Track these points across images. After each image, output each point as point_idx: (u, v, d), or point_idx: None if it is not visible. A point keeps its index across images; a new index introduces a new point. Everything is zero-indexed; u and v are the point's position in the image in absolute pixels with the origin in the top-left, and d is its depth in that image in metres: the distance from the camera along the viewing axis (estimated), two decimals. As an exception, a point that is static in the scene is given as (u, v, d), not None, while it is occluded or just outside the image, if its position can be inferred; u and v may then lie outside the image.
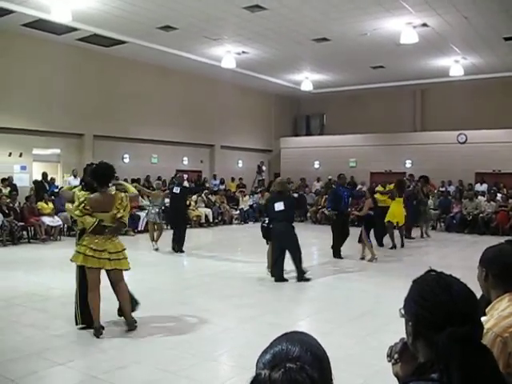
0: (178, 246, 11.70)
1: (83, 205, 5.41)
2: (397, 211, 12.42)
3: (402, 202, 12.64)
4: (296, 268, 8.62)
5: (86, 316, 5.59)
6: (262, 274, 8.93)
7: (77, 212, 5.46)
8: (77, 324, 5.69)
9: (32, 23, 14.00)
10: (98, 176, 5.49)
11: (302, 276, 8.58)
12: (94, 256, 5.38)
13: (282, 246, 8.57)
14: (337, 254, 10.91)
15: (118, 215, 5.49)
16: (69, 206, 5.58)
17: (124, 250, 5.64)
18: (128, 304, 5.71)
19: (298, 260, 8.63)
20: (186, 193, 12.74)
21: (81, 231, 5.70)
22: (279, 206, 8.55)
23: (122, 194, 5.65)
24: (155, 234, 12.12)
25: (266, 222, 8.93)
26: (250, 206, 19.39)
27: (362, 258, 10.70)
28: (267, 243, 9.06)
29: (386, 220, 12.25)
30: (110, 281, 5.64)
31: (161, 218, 12.33)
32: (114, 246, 5.52)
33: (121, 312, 5.87)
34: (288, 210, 8.65)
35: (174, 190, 12.12)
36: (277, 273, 8.55)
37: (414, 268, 10.14)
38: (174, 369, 4.56)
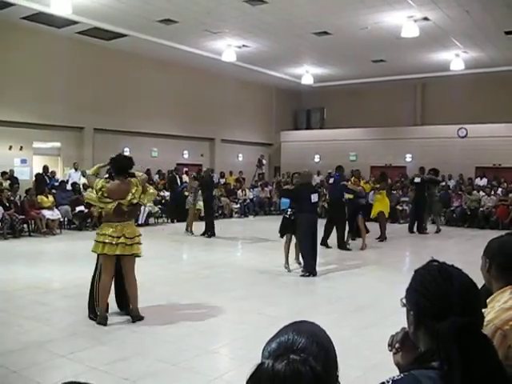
0: (211, 231, 13.16)
1: (101, 192, 5.60)
2: (384, 202, 12.89)
3: (385, 194, 13.11)
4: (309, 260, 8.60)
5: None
6: (263, 266, 8.94)
7: (96, 198, 5.67)
8: (90, 313, 5.75)
9: (32, 16, 13.96)
10: (116, 165, 5.74)
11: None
12: (111, 243, 5.54)
13: (313, 237, 8.56)
14: (342, 246, 11.27)
15: (134, 201, 5.72)
16: (90, 194, 5.77)
17: (140, 235, 5.82)
18: (137, 295, 5.77)
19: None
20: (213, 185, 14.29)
21: (97, 218, 5.88)
22: (315, 198, 8.60)
23: (135, 180, 5.83)
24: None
25: (289, 213, 8.77)
26: (251, 200, 19.38)
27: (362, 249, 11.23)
28: (282, 236, 8.90)
29: (378, 210, 12.68)
30: (121, 269, 5.73)
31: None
32: (132, 230, 5.71)
33: (122, 304, 5.94)
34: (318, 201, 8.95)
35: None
36: (313, 266, 8.42)
37: (415, 261, 10.13)
38: (174, 361, 4.59)
